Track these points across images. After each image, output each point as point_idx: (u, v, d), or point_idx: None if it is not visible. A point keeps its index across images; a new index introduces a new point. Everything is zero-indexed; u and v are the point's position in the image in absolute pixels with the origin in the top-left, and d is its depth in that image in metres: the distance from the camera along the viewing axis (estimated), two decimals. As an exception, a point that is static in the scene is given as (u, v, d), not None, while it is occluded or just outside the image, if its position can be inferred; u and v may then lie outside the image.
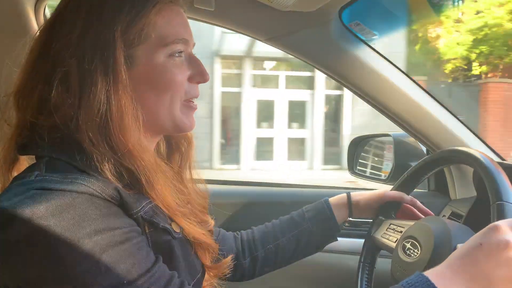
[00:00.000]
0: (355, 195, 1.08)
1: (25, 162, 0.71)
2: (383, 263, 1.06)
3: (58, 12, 0.70)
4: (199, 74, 0.75)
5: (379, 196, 1.07)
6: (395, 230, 0.99)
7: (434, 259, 0.78)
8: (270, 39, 1.22)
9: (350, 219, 1.47)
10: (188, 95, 0.75)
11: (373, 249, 1.06)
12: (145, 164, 0.67)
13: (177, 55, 0.72)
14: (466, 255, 0.62)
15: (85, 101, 0.64)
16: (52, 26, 0.69)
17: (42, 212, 0.56)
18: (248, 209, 1.55)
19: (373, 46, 1.22)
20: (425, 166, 1.02)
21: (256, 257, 1.03)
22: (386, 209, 1.07)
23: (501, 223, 0.63)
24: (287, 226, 1.05)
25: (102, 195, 0.61)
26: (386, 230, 1.02)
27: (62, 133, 0.64)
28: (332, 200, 1.08)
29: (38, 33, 0.71)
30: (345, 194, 1.09)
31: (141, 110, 0.69)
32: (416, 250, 0.84)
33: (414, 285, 0.60)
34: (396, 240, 0.95)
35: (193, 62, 0.75)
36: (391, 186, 1.10)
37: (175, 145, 0.86)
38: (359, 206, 1.08)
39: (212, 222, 0.89)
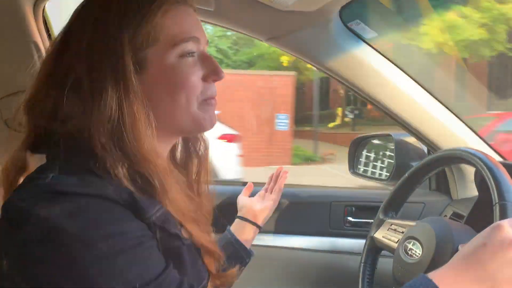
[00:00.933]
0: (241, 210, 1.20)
1: (33, 163, 0.71)
2: (384, 264, 1.05)
3: (69, 23, 0.72)
4: (213, 72, 0.74)
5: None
6: (396, 231, 0.99)
7: (436, 260, 0.78)
8: (271, 39, 1.21)
9: (350, 218, 1.47)
10: (204, 95, 0.74)
11: (374, 250, 1.06)
12: (159, 169, 0.67)
13: (188, 55, 0.71)
14: (470, 255, 0.61)
15: (97, 109, 0.64)
16: (64, 36, 0.71)
17: (57, 213, 0.57)
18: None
19: (374, 45, 1.22)
20: (426, 166, 1.01)
21: None
22: (386, 209, 1.07)
23: (504, 222, 0.62)
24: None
25: (116, 199, 0.61)
26: (387, 230, 1.02)
27: (76, 140, 0.65)
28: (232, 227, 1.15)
29: (51, 44, 0.72)
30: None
31: (156, 113, 0.69)
32: (418, 251, 0.83)
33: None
34: (398, 241, 0.94)
35: (206, 61, 0.74)
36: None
37: (193, 149, 0.85)
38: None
39: (213, 235, 0.88)
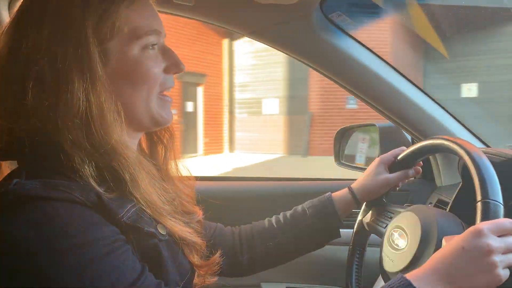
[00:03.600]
0: (357, 185, 1.02)
1: (7, 168, 0.69)
2: (372, 252, 1.07)
3: (23, 11, 0.68)
4: (174, 65, 0.75)
5: (385, 182, 1.01)
6: (386, 216, 1.00)
7: (421, 251, 0.79)
8: (252, 33, 1.20)
9: None
10: (163, 87, 0.74)
11: (362, 233, 1.07)
12: (129, 161, 0.66)
13: (150, 47, 0.71)
14: (448, 258, 0.63)
15: (63, 101, 0.62)
16: (18, 25, 0.67)
17: (20, 225, 0.55)
18: (246, 204, 1.55)
19: (355, 36, 1.22)
20: (411, 155, 1.02)
21: (255, 254, 1.00)
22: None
23: (484, 226, 0.63)
24: (289, 223, 1.01)
25: (83, 202, 0.59)
26: (377, 215, 1.03)
27: (42, 136, 0.62)
28: (335, 195, 1.02)
29: (2, 35, 0.68)
30: (347, 189, 1.03)
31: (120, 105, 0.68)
32: (403, 241, 0.84)
33: None
34: (385, 226, 0.96)
35: (167, 53, 0.75)
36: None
37: (157, 138, 0.84)
38: (365, 199, 1.04)
39: (200, 213, 0.88)
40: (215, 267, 0.85)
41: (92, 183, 0.62)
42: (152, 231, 0.67)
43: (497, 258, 0.61)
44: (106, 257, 0.58)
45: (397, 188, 1.05)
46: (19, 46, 0.64)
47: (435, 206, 1.24)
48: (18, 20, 0.67)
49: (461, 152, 0.79)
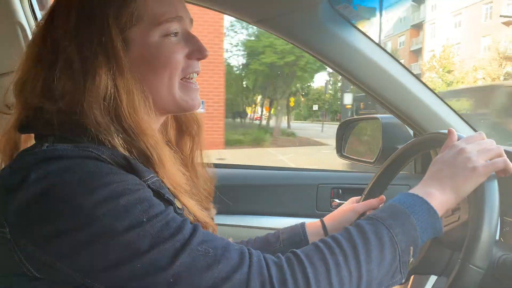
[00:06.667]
0: (329, 220, 1.05)
1: (26, 145, 0.72)
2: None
3: (55, 3, 0.72)
4: (198, 50, 0.75)
5: (352, 212, 1.04)
6: None
7: None
8: (259, 22, 1.21)
9: (336, 200, 1.50)
10: (186, 72, 0.75)
11: None
12: (156, 142, 0.69)
13: (172, 35, 0.72)
14: (434, 172, 0.74)
15: (90, 87, 0.65)
16: (50, 17, 0.71)
17: (54, 170, 0.59)
18: (247, 192, 1.57)
19: (362, 29, 1.22)
20: (411, 149, 1.03)
21: None
22: (371, 191, 1.09)
23: (455, 143, 0.76)
24: (261, 245, 1.02)
25: (111, 162, 0.63)
26: (372, 210, 1.04)
27: (70, 118, 0.65)
28: (308, 225, 1.04)
29: (38, 26, 0.73)
30: (319, 221, 1.05)
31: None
32: None
33: (414, 206, 0.68)
34: None
35: (190, 40, 0.75)
36: (359, 198, 1.10)
37: (185, 128, 0.86)
38: (335, 230, 1.05)
39: (214, 211, 0.89)
40: None
41: (121, 149, 0.65)
42: (172, 199, 0.69)
43: (471, 155, 0.72)
44: (136, 192, 0.61)
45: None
46: (50, 36, 0.68)
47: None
48: (51, 12, 0.71)
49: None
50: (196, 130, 0.86)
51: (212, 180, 0.89)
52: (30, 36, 1.12)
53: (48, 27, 0.70)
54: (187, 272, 0.57)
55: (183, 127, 0.86)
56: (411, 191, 0.72)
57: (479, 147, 0.74)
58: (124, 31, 0.69)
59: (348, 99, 12.15)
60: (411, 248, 0.64)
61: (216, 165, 1.82)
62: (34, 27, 0.78)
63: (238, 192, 1.55)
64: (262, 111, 30.39)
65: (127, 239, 0.57)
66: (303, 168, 1.76)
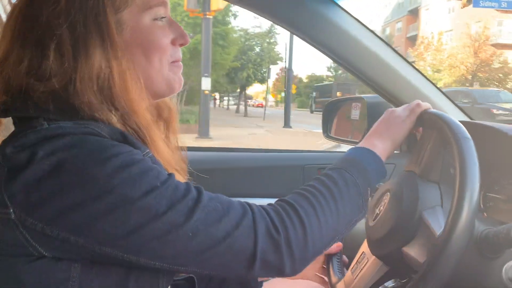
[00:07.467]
0: None
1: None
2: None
3: None
4: (181, 36, 0.77)
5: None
6: None
7: (393, 212, 0.83)
8: (240, 0, 1.19)
9: None
10: (172, 57, 0.77)
11: None
12: (147, 122, 0.70)
13: (160, 19, 0.74)
14: (375, 129, 0.88)
15: (83, 66, 0.65)
16: None
17: (61, 146, 0.59)
18: (233, 175, 1.56)
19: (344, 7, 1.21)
20: None
21: None
22: None
23: (394, 108, 0.91)
24: None
25: (111, 138, 0.64)
26: None
27: (61, 98, 0.65)
28: None
29: (15, 4, 0.71)
30: None
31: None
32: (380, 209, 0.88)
33: (363, 155, 0.81)
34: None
35: (174, 26, 0.77)
36: None
37: (157, 114, 0.86)
38: None
39: None
40: None
41: (117, 125, 0.67)
42: (166, 173, 0.70)
43: (398, 111, 0.89)
44: (143, 161, 0.64)
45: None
46: (37, 14, 0.67)
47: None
48: None
49: (450, 135, 0.75)
50: (168, 115, 0.86)
51: (186, 160, 0.90)
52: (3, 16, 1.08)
53: (34, 4, 0.68)
54: (203, 225, 0.62)
55: (155, 112, 0.85)
56: (358, 145, 0.85)
57: (405, 107, 0.90)
58: (118, 12, 0.69)
59: (206, 84, 11.14)
60: (368, 188, 0.77)
61: (199, 149, 1.82)
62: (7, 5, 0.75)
63: (223, 176, 1.55)
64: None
65: (145, 204, 0.60)
66: (289, 150, 1.76)
